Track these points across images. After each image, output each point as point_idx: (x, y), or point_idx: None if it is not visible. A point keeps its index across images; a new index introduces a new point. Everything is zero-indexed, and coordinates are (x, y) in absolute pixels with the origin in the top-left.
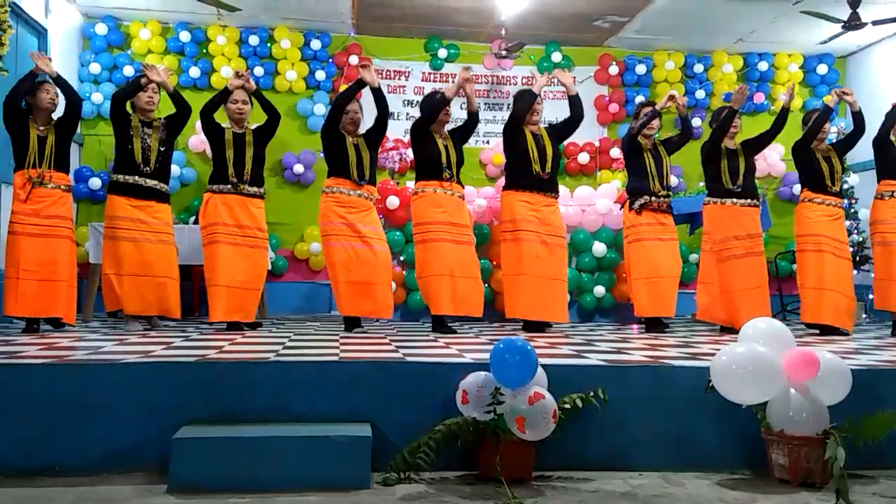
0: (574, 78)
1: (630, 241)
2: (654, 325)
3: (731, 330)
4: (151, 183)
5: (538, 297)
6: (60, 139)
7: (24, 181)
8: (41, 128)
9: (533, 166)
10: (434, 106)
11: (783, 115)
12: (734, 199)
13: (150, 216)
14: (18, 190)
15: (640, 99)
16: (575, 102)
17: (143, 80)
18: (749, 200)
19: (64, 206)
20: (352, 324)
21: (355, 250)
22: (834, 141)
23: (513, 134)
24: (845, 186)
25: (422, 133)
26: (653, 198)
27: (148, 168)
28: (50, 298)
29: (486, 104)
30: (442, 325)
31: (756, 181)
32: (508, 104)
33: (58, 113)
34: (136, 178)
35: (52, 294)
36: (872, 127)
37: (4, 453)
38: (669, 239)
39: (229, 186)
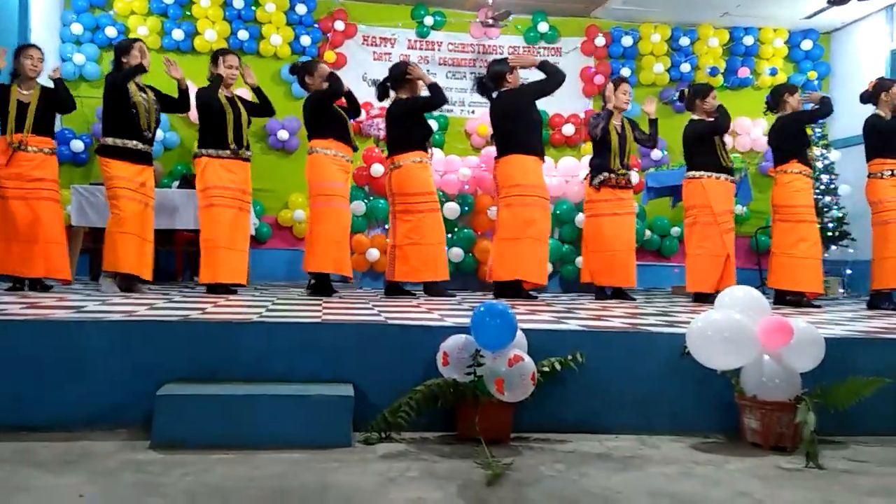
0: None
1: (588, 216)
2: (600, 294)
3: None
4: (145, 147)
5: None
6: (44, 105)
7: (5, 146)
8: (24, 93)
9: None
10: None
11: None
12: (726, 175)
13: (146, 180)
14: (0, 153)
15: (625, 72)
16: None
17: (146, 63)
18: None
19: (48, 169)
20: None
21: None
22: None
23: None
24: (826, 162)
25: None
26: (612, 175)
27: (149, 133)
28: (35, 259)
29: (471, 73)
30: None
31: (738, 155)
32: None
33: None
34: (136, 142)
35: (37, 255)
36: (855, 102)
37: None
38: (626, 213)
39: (228, 152)
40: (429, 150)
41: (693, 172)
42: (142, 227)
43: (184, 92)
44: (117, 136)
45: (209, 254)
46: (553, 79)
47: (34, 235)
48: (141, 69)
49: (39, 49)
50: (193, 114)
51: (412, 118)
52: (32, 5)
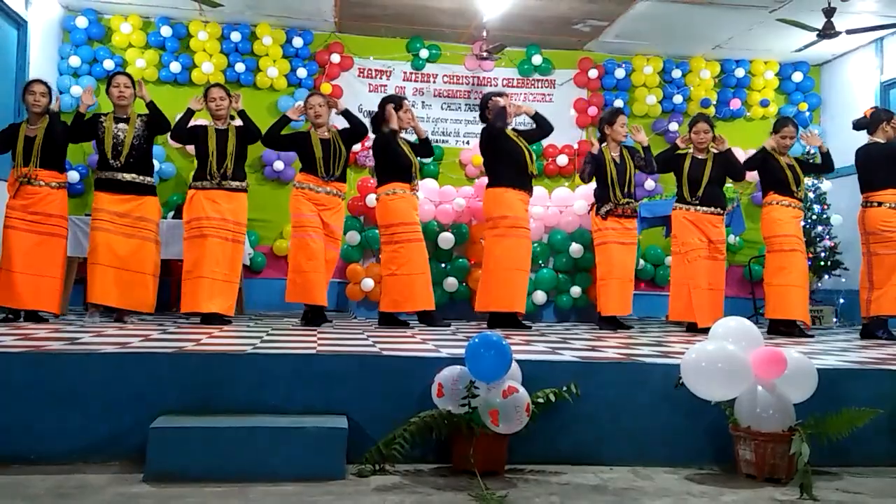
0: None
1: (598, 244)
2: (612, 324)
3: (692, 327)
4: (129, 176)
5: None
6: (51, 138)
7: (14, 179)
8: (31, 127)
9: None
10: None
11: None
12: (696, 207)
13: (131, 210)
14: (9, 186)
15: (618, 103)
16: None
17: (82, 107)
18: (711, 209)
19: (54, 203)
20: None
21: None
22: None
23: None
24: (818, 192)
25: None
26: (616, 205)
27: (118, 162)
28: (36, 292)
29: (466, 105)
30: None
31: (730, 186)
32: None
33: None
34: (111, 173)
35: (38, 288)
36: (846, 133)
37: None
38: (629, 243)
39: (209, 182)
40: (413, 181)
41: (676, 204)
42: (119, 257)
43: (149, 106)
44: (98, 169)
45: (189, 283)
46: (542, 132)
47: (33, 268)
48: (78, 115)
49: (43, 83)
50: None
51: (386, 151)
52: (31, 38)
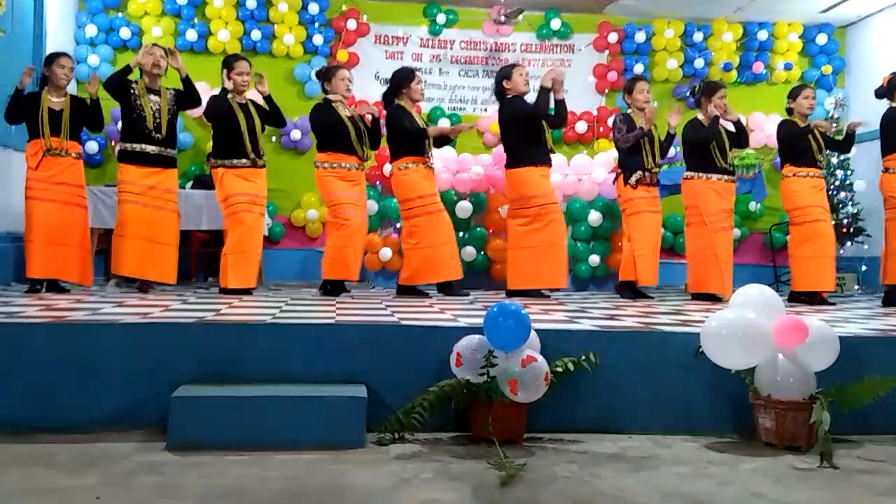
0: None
1: (630, 214)
2: (634, 293)
3: (707, 298)
4: (159, 150)
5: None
6: (75, 112)
7: (36, 150)
8: (55, 100)
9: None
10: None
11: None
12: (721, 176)
13: (158, 183)
14: (30, 157)
15: (638, 69)
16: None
17: (132, 63)
18: (731, 177)
19: (75, 174)
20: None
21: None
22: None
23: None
24: (841, 158)
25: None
26: (647, 173)
27: (159, 135)
28: (63, 262)
29: (484, 71)
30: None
31: (752, 152)
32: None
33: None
34: (146, 146)
35: (65, 258)
36: (870, 98)
37: (6, 411)
38: (656, 211)
39: (246, 160)
40: (427, 154)
41: (688, 173)
42: (148, 229)
43: (185, 80)
44: (125, 140)
45: (231, 260)
46: (558, 120)
47: (58, 238)
48: (126, 70)
49: (71, 58)
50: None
51: (397, 125)
52: (47, 7)
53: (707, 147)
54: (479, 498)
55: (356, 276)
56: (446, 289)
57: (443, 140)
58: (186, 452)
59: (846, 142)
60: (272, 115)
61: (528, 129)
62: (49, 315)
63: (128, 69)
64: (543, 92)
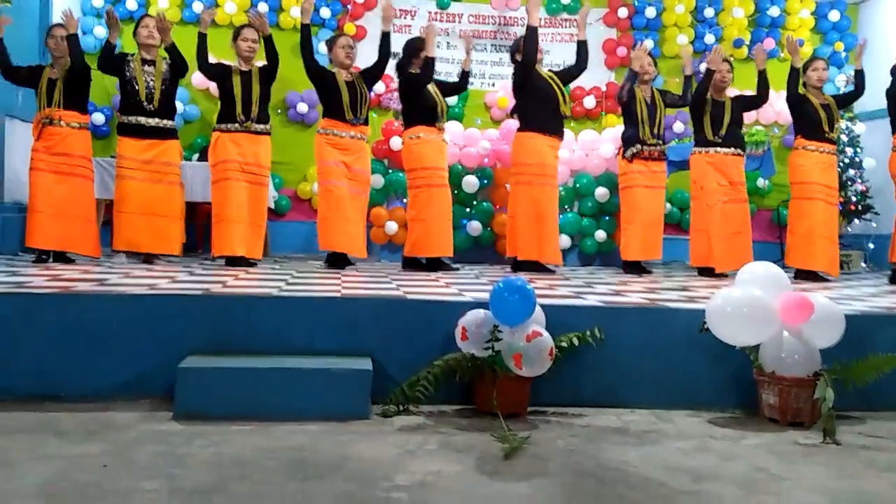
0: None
1: (622, 188)
2: (634, 269)
3: (708, 272)
4: (154, 121)
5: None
6: (72, 78)
7: (37, 121)
8: (54, 70)
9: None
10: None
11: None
12: (717, 149)
13: (156, 156)
14: (34, 128)
15: (648, 43)
16: (582, 49)
17: (111, 39)
18: (732, 150)
19: (78, 144)
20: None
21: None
22: (836, 93)
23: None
24: (851, 135)
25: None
26: (644, 146)
27: (152, 106)
28: (67, 233)
29: (492, 45)
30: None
31: (761, 128)
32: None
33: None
34: (140, 118)
35: (69, 229)
36: (883, 75)
37: (14, 380)
38: (657, 186)
39: (236, 125)
40: (440, 123)
41: (696, 148)
42: (147, 204)
43: (169, 49)
44: (122, 113)
45: (219, 227)
46: (580, 65)
47: (62, 210)
48: (109, 47)
49: (62, 27)
50: (213, 87)
51: (412, 93)
52: None
53: (700, 120)
54: (483, 470)
55: (349, 248)
56: (434, 265)
57: (462, 82)
58: (192, 422)
59: (857, 82)
60: (269, 54)
61: (537, 95)
62: (56, 285)
63: (110, 45)
64: (531, 31)
